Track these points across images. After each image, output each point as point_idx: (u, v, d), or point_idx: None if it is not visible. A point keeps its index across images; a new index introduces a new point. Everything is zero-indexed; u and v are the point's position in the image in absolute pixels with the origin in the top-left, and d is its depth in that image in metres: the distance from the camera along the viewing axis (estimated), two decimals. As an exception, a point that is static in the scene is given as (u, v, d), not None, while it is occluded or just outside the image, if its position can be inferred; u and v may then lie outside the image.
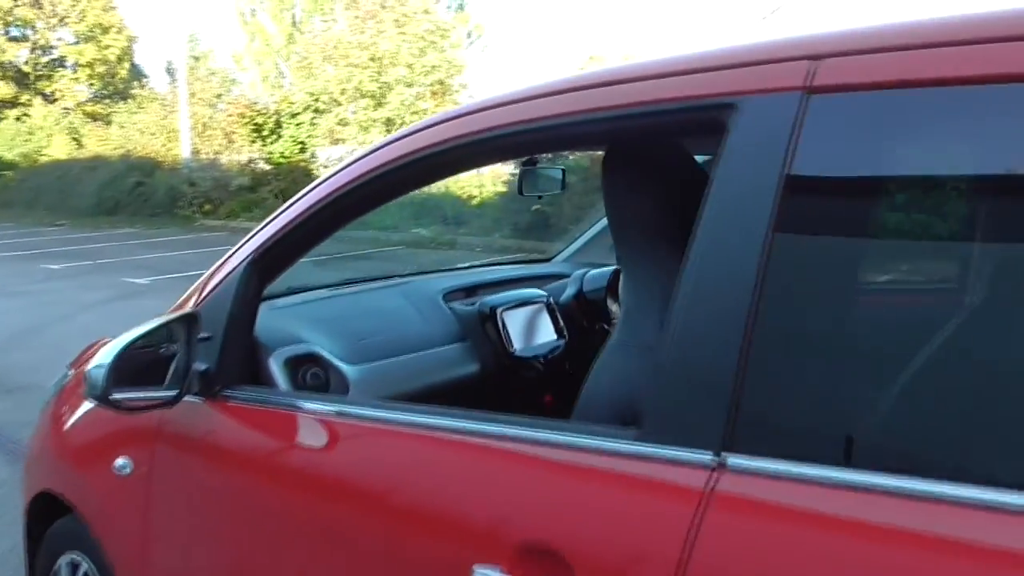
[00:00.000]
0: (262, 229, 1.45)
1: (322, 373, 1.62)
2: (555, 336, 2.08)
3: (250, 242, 1.46)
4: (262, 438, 1.38)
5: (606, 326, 2.13)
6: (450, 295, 2.11)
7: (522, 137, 1.18)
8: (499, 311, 1.98)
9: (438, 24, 15.94)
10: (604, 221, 2.64)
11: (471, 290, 2.21)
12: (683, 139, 1.31)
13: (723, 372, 0.86)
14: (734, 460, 0.85)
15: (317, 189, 1.39)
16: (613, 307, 2.14)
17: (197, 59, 21.86)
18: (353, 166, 1.35)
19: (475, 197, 13.32)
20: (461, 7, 18.15)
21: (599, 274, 2.20)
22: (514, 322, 2.00)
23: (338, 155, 14.73)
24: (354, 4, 15.77)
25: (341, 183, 1.35)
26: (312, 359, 1.62)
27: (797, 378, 0.85)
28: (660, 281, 1.18)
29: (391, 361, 1.78)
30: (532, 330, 2.04)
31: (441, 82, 15.78)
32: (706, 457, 0.86)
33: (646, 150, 1.25)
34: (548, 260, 2.70)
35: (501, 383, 1.96)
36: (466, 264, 2.52)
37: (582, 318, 2.15)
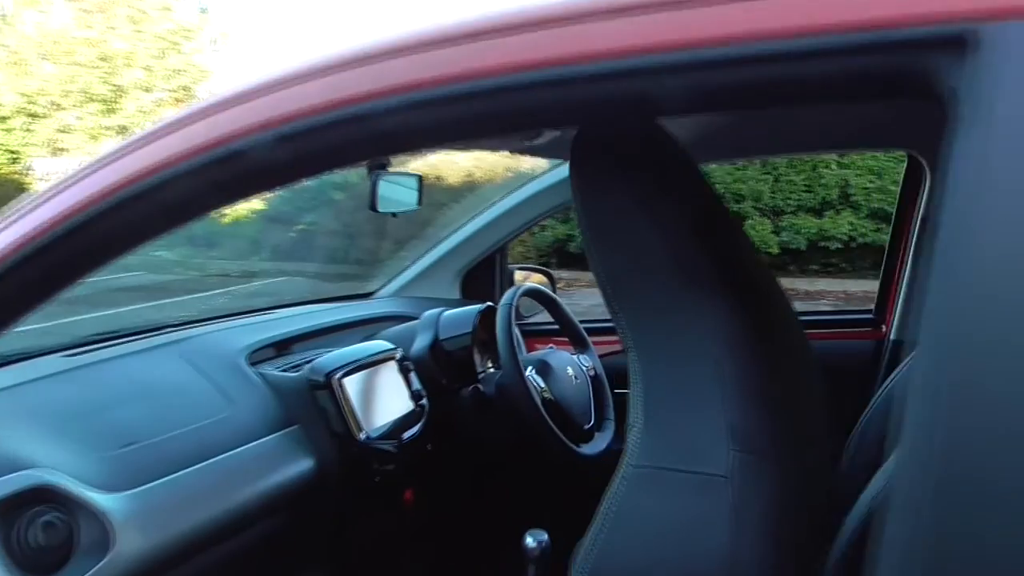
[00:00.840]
0: None
1: (62, 520, 0.94)
2: (410, 404, 1.52)
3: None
4: None
5: (479, 388, 1.61)
6: (256, 355, 1.48)
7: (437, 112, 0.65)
8: (336, 378, 1.39)
9: (181, 25, 14.37)
10: (441, 248, 2.13)
11: (283, 345, 1.59)
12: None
13: None
14: None
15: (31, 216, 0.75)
16: (487, 364, 1.63)
17: None
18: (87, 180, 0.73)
19: (226, 215, 12.09)
20: (204, 10, 16.57)
21: (459, 316, 1.67)
22: (357, 392, 1.42)
23: (61, 167, 12.80)
24: (80, -5, 13.78)
25: (63, 212, 0.73)
26: (41, 495, 0.94)
27: None
28: (709, 355, 0.70)
29: (181, 476, 1.10)
30: (381, 400, 1.47)
31: (186, 88, 14.23)
32: None
33: (659, 144, 0.76)
34: (369, 296, 2.13)
35: (348, 481, 1.37)
36: (267, 307, 1.86)
37: (441, 376, 1.61)
